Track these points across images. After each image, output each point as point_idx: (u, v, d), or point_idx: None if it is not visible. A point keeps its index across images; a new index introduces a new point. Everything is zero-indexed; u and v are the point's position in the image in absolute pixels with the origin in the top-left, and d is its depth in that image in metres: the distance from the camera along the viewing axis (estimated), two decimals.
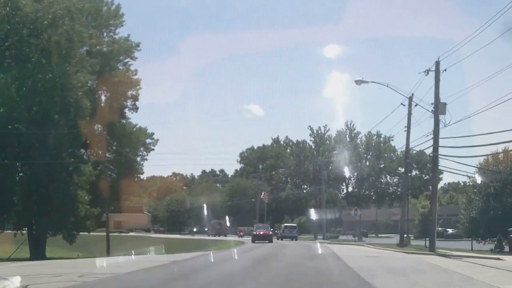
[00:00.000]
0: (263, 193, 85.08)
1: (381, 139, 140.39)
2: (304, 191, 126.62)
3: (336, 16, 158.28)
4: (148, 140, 48.07)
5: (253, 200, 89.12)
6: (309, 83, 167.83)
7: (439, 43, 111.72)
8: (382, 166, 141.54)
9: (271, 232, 55.27)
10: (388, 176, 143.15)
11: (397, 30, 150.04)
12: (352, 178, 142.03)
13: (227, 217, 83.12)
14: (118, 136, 42.52)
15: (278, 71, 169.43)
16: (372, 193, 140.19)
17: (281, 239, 62.82)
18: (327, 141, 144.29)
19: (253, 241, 50.26)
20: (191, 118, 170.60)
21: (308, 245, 44.54)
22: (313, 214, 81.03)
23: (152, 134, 48.16)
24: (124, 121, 42.85)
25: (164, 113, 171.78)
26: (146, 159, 48.61)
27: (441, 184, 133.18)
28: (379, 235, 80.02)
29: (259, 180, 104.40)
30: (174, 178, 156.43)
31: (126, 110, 44.15)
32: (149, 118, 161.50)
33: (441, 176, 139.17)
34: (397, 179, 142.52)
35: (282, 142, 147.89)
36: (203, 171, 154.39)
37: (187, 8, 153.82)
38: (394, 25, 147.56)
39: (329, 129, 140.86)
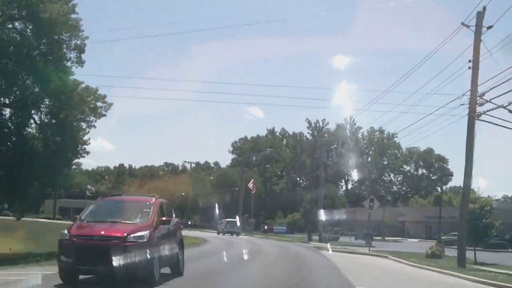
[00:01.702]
0: (251, 181, 74.31)
1: (385, 135, 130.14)
2: (302, 185, 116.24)
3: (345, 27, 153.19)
4: (99, 103, 36.98)
5: (236, 189, 78.35)
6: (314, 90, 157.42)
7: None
8: (385, 163, 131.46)
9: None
10: (392, 174, 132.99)
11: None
12: (353, 175, 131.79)
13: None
14: (54, 94, 31.53)
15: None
16: (373, 192, 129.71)
17: (223, 234, 60.95)
18: (326, 135, 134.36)
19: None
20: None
21: (295, 252, 31.28)
22: (309, 211, 71.33)
23: (104, 96, 37.05)
24: (62, 75, 31.74)
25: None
26: (94, 126, 37.88)
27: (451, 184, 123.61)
28: (386, 238, 69.19)
29: (250, 171, 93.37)
30: (166, 168, 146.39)
31: (69, 64, 32.98)
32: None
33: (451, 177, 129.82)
34: (401, 178, 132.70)
35: (278, 134, 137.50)
36: (197, 163, 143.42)
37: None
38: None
39: (327, 122, 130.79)
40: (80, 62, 34.64)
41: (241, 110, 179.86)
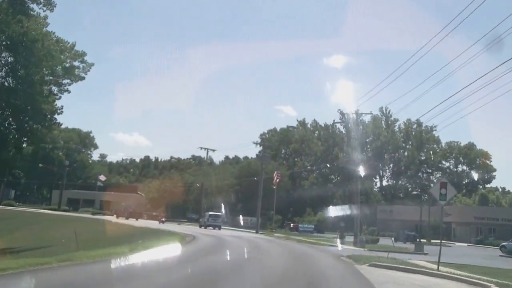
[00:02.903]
0: (275, 173, 65.76)
1: (423, 128, 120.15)
2: (333, 180, 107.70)
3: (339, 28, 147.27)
4: (76, 63, 29.64)
5: (255, 179, 70.05)
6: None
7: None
8: (423, 158, 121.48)
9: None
10: (430, 170, 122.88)
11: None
12: (388, 170, 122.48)
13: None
14: (11, 45, 24.23)
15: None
16: (410, 189, 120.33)
17: (205, 228, 59.93)
18: (360, 127, 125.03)
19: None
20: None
21: (310, 267, 19.98)
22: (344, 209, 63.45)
23: (83, 54, 29.64)
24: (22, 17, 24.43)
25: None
26: (68, 91, 30.64)
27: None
28: (432, 241, 59.90)
29: (271, 158, 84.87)
30: (193, 161, 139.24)
31: (34, 7, 25.67)
32: None
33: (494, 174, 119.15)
34: (440, 174, 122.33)
35: (309, 126, 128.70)
36: (226, 157, 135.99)
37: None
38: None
39: (362, 114, 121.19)
40: (49, 4, 27.12)
41: (272, 108, 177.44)
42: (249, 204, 73.57)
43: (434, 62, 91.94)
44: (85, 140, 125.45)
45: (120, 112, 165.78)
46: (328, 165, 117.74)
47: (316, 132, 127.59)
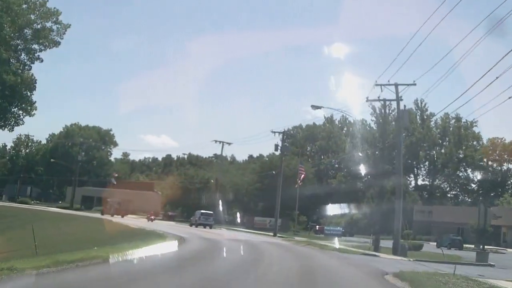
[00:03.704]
0: (299, 168, 59.02)
1: (462, 123, 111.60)
2: (363, 179, 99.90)
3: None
4: (49, 24, 23.97)
5: (273, 172, 63.43)
6: None
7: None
8: (461, 156, 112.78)
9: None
10: (469, 169, 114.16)
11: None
12: (423, 169, 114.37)
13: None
14: None
15: None
16: (447, 188, 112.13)
17: (196, 227, 58.49)
18: (393, 122, 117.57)
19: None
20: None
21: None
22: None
23: (57, 13, 23.87)
24: None
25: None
26: (40, 59, 25.49)
27: None
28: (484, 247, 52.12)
29: (302, 161, 77.93)
30: (215, 159, 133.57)
31: None
32: None
33: None
34: (481, 173, 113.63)
35: (336, 122, 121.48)
36: (250, 156, 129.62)
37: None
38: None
39: (394, 108, 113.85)
40: None
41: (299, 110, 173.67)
42: (270, 203, 66.75)
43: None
44: (105, 138, 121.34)
45: (142, 113, 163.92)
46: (357, 162, 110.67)
47: (344, 128, 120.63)
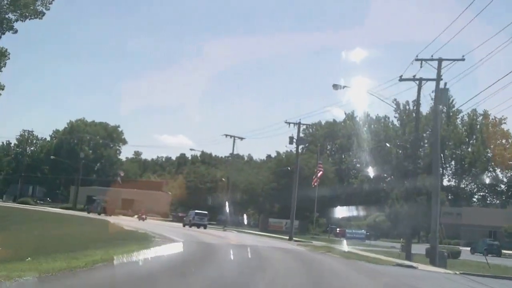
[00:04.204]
0: (318, 165, 53.81)
1: (490, 120, 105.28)
2: (387, 179, 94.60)
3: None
4: None
5: (288, 168, 58.32)
6: None
7: None
8: (490, 155, 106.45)
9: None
10: (498, 169, 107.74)
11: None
12: (449, 169, 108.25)
13: None
14: None
15: None
16: (475, 189, 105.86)
17: (190, 227, 57.17)
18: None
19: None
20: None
21: None
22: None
23: None
24: None
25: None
26: (14, 30, 22.22)
27: None
28: None
29: (321, 157, 72.50)
30: (230, 158, 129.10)
31: None
32: None
33: None
34: (511, 174, 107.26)
35: (357, 119, 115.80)
36: (268, 156, 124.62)
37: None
38: None
39: (420, 104, 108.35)
40: None
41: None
42: (287, 204, 61.40)
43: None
44: (112, 135, 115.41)
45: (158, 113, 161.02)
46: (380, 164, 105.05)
47: (366, 125, 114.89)
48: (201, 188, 73.85)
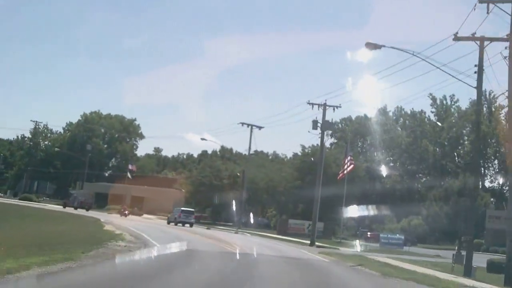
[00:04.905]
0: (347, 158, 46.35)
1: None
2: (422, 179, 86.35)
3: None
4: None
5: (312, 159, 51.03)
6: None
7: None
8: None
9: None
10: None
11: None
12: (491, 168, 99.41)
13: None
14: None
15: None
16: None
17: (175, 224, 56.36)
18: (456, 114, 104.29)
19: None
20: None
21: None
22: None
23: None
24: None
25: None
26: None
27: None
28: None
29: (353, 152, 64.87)
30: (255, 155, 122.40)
31: None
32: None
33: None
34: None
35: (390, 114, 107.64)
36: (295, 154, 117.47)
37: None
38: None
39: (457, 99, 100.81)
40: None
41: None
42: (312, 204, 53.86)
43: None
44: (129, 128, 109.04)
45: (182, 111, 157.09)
46: (415, 162, 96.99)
47: (400, 120, 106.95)
48: (216, 185, 66.92)
